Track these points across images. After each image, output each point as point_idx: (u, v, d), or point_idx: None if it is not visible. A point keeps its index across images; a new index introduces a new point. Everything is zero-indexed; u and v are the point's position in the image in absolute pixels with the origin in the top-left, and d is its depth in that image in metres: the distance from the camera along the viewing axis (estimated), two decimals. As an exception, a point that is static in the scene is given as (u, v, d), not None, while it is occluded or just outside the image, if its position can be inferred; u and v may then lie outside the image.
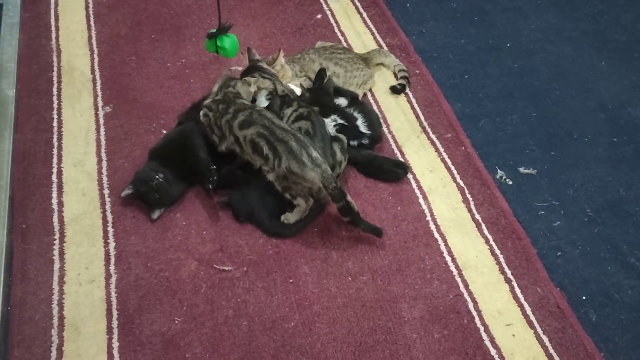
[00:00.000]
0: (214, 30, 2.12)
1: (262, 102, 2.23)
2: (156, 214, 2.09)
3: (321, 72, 2.36)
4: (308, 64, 2.46)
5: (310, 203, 2.06)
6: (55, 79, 2.56)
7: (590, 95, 2.60)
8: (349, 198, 1.97)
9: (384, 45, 2.77)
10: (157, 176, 2.08)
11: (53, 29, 2.78)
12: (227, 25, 2.12)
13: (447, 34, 2.85)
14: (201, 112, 2.13)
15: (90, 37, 2.74)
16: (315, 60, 2.47)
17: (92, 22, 2.81)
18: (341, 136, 2.22)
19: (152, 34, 2.78)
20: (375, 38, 2.81)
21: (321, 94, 2.30)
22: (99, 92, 2.51)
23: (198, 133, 2.15)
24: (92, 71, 2.60)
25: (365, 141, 2.27)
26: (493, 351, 1.82)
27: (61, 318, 1.85)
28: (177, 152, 2.15)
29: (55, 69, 2.60)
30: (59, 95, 2.50)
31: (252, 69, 2.26)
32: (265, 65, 2.29)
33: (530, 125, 2.47)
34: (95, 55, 2.67)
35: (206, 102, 2.16)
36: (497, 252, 2.06)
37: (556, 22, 2.92)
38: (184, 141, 2.17)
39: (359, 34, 2.82)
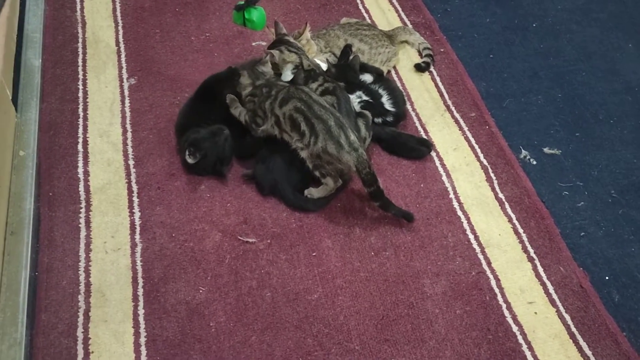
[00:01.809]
0: (242, 2, 2.11)
1: (288, 75, 2.23)
2: (192, 159, 2.08)
3: (347, 49, 2.36)
4: (333, 39, 2.46)
5: (339, 184, 2.07)
6: (80, 50, 2.57)
7: (616, 77, 2.57)
8: (380, 184, 1.97)
9: (408, 23, 2.75)
10: (220, 126, 2.09)
11: (78, 0, 2.78)
12: (255, -2, 2.12)
13: (472, 13, 2.83)
14: (245, 98, 2.13)
15: (114, 10, 2.75)
16: (340, 36, 2.46)
17: (116, -5, 2.81)
18: (366, 112, 2.21)
19: (176, 7, 2.77)
20: (399, 15, 2.79)
21: (347, 70, 2.29)
22: (124, 64, 2.52)
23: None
24: (117, 43, 2.60)
25: (389, 118, 2.27)
26: (515, 328, 1.83)
27: (88, 284, 1.87)
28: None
29: (80, 40, 2.61)
30: (84, 66, 2.51)
31: (279, 42, 2.26)
32: (292, 40, 2.28)
33: (555, 105, 2.46)
34: (120, 28, 2.67)
35: (246, 91, 2.14)
36: (520, 230, 2.06)
37: (583, 3, 2.88)
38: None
39: (383, 11, 2.81)
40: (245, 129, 2.14)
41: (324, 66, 2.33)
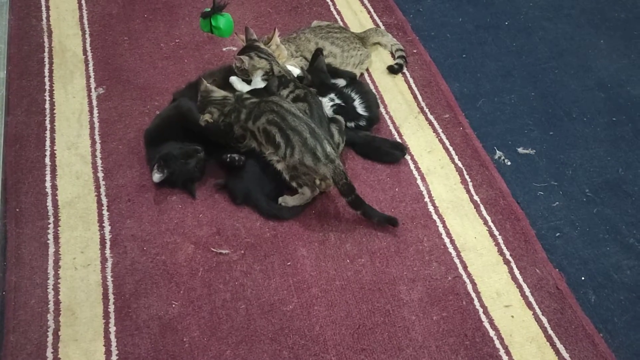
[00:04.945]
0: (209, 9, 2.07)
1: (258, 82, 2.20)
2: (158, 177, 2.04)
3: (317, 52, 2.33)
4: (304, 43, 2.43)
5: (315, 193, 2.04)
6: (46, 60, 2.52)
7: (589, 74, 2.57)
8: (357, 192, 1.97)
9: (380, 24, 2.73)
10: (196, 147, 2.05)
11: (43, 8, 2.72)
12: (222, 4, 2.08)
13: (444, 13, 2.81)
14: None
15: (81, 17, 2.69)
16: (311, 40, 2.43)
17: (83, 1, 2.76)
18: (339, 118, 2.19)
19: (144, 13, 2.73)
20: (372, 17, 2.77)
21: (318, 73, 2.27)
22: (92, 74, 2.47)
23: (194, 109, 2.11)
24: (84, 52, 2.55)
25: (362, 123, 2.25)
26: (492, 332, 1.82)
27: (57, 303, 1.83)
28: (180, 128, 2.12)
29: (46, 49, 2.56)
30: (50, 76, 2.45)
31: (249, 48, 2.23)
32: (262, 45, 2.25)
33: (529, 104, 2.45)
34: (87, 36, 2.62)
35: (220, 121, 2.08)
36: (496, 233, 2.04)
37: (554, -1, 2.88)
38: (185, 117, 2.12)
39: (355, 12, 2.78)
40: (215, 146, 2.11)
41: (296, 71, 2.30)
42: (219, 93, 2.10)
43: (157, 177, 2.02)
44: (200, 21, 2.11)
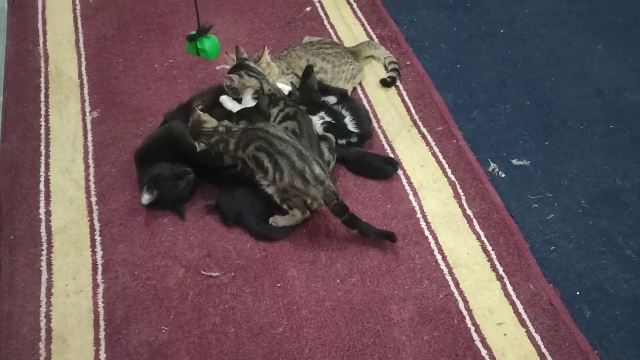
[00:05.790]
0: (194, 32, 2.08)
1: (248, 101, 2.20)
2: (147, 198, 2.05)
3: (308, 70, 2.33)
4: (295, 60, 2.42)
5: (306, 215, 2.04)
6: (42, 84, 2.55)
7: (586, 81, 2.53)
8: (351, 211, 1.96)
9: (374, 36, 2.72)
10: (187, 169, 2.06)
11: (40, 33, 2.76)
12: (207, 27, 2.08)
13: (439, 22, 2.79)
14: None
15: (77, 40, 2.72)
16: (302, 57, 2.43)
17: (79, 25, 2.79)
18: (329, 135, 2.18)
19: (139, 34, 2.75)
20: (365, 29, 2.75)
21: (308, 91, 2.26)
22: (86, 97, 2.49)
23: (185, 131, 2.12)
24: (80, 75, 2.58)
25: (353, 139, 2.24)
26: (484, 352, 1.79)
27: (49, 331, 1.84)
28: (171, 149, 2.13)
29: (42, 74, 2.59)
30: (46, 101, 2.48)
31: (239, 67, 2.24)
32: (252, 64, 2.25)
33: (524, 114, 2.42)
34: (83, 59, 2.64)
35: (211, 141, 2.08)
36: (489, 248, 2.02)
37: (551, 5, 2.84)
38: (176, 139, 2.13)
39: (348, 25, 2.77)
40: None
41: (288, 89, 2.30)
42: (210, 123, 2.09)
43: (146, 198, 2.03)
44: (186, 44, 2.11)
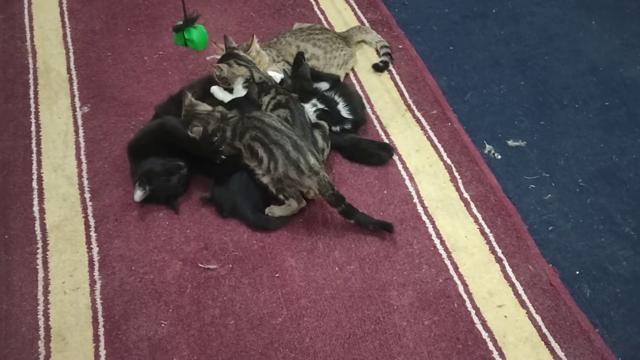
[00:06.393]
0: (181, 23, 2.05)
1: (239, 90, 2.18)
2: (140, 194, 2.03)
3: (299, 56, 2.30)
4: (285, 47, 2.40)
5: (302, 204, 2.02)
6: (31, 81, 2.51)
7: (580, 58, 2.51)
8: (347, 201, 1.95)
9: (365, 21, 2.69)
10: (179, 163, 2.04)
11: (27, 29, 2.72)
12: (194, 17, 2.06)
13: (430, 4, 2.76)
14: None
15: (65, 35, 2.69)
16: (292, 44, 2.40)
17: (66, 19, 2.75)
18: (322, 123, 2.16)
19: (127, 26, 2.71)
20: (356, 14, 2.72)
21: (300, 79, 2.24)
22: (76, 92, 2.46)
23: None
24: (69, 70, 2.55)
25: (347, 126, 2.22)
26: (485, 334, 1.79)
27: (47, 329, 1.83)
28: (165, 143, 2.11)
29: (31, 71, 2.55)
30: (35, 98, 2.45)
31: (228, 56, 2.21)
32: (241, 53, 2.23)
33: (519, 94, 2.40)
34: (71, 54, 2.61)
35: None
36: (487, 231, 2.01)
37: (543, -18, 2.81)
38: (171, 134, 2.10)
39: (339, 11, 2.74)
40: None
41: (279, 77, 2.28)
42: (203, 107, 2.09)
43: (138, 195, 2.01)
44: (173, 35, 2.09)
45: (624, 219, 2.02)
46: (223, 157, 2.00)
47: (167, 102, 2.27)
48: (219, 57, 2.32)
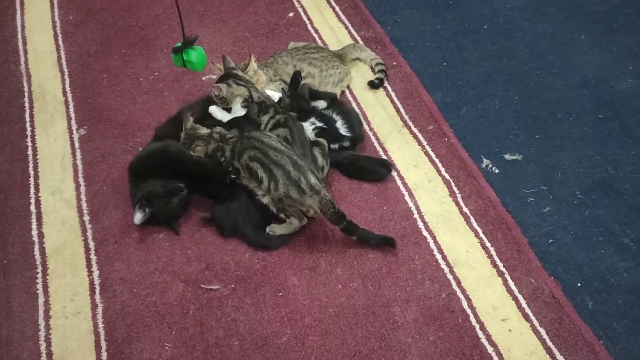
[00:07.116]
0: (180, 44, 2.06)
1: (238, 110, 2.19)
2: (140, 217, 2.02)
3: (296, 75, 2.31)
4: (281, 67, 2.41)
5: (303, 222, 2.03)
6: (27, 104, 2.51)
7: (571, 72, 2.54)
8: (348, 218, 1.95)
9: (359, 38, 2.71)
10: (179, 185, 2.03)
11: (21, 52, 2.72)
12: (193, 38, 2.06)
13: (422, 21, 2.79)
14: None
15: (59, 58, 2.69)
16: (288, 63, 2.41)
17: (60, 42, 2.75)
18: (321, 140, 2.18)
19: (122, 48, 2.72)
20: (349, 32, 2.75)
21: (298, 99, 2.25)
22: (72, 115, 2.46)
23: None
24: (64, 93, 2.54)
25: (346, 143, 2.23)
26: (490, 349, 1.79)
27: (49, 355, 1.81)
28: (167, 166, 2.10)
29: (26, 94, 2.55)
30: (31, 121, 2.45)
31: (227, 76, 2.22)
32: (240, 73, 2.24)
33: (513, 108, 2.42)
34: (66, 77, 2.61)
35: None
36: (488, 245, 2.02)
37: (532, -2, 2.86)
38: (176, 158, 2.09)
39: (332, 29, 2.76)
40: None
41: (277, 96, 2.29)
42: (204, 130, 2.10)
43: (138, 217, 2.01)
44: (172, 56, 2.09)
45: (622, 230, 2.04)
46: (233, 176, 2.00)
47: (167, 124, 2.27)
48: (215, 77, 2.33)
